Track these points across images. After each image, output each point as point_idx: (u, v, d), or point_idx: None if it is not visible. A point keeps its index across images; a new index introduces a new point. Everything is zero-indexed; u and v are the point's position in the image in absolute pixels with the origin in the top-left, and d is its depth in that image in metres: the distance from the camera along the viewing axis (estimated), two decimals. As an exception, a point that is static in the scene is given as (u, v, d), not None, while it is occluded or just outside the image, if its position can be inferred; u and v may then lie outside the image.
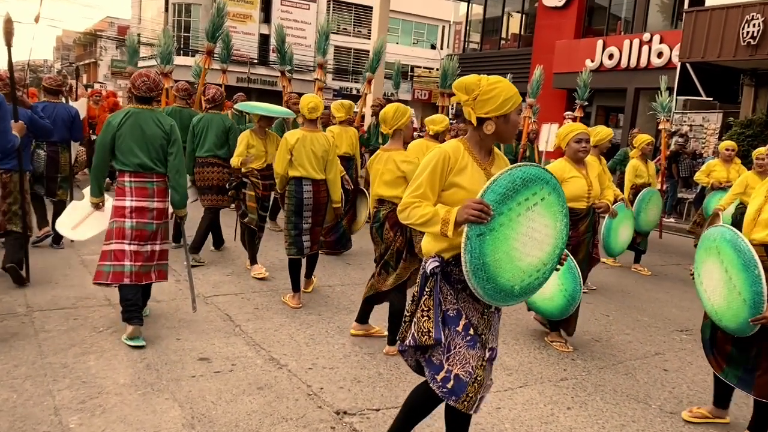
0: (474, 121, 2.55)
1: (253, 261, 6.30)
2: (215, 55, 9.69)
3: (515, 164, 2.44)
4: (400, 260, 4.34)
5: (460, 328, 2.53)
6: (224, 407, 3.45)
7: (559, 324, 4.88)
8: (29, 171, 5.99)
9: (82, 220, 4.92)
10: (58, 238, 6.69)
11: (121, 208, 4.35)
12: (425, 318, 2.55)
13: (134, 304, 4.29)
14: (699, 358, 4.69)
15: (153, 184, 4.42)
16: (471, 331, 2.53)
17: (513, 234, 2.39)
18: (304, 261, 5.54)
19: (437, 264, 2.54)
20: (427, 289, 2.58)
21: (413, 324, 2.62)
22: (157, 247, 4.47)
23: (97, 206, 4.68)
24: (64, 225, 5.02)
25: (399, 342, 2.75)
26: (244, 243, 6.50)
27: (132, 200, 4.35)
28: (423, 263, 2.65)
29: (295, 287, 5.33)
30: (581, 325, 5.43)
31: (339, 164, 5.55)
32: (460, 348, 2.52)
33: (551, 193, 2.47)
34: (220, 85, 8.36)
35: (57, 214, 6.11)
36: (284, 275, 6.00)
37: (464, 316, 2.54)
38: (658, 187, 9.02)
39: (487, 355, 2.58)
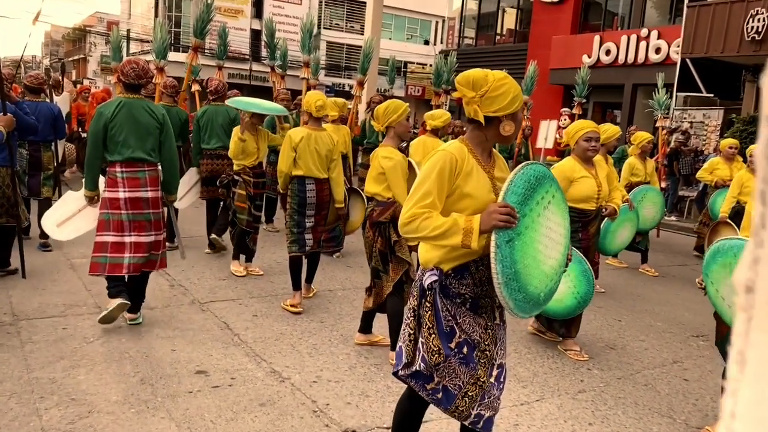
0: (482, 120, 2.32)
1: (236, 257, 6.15)
2: (206, 51, 9.42)
3: (524, 163, 2.28)
4: (387, 263, 4.16)
5: (452, 345, 2.32)
6: (224, 426, 3.21)
7: (561, 324, 4.66)
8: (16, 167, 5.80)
9: (71, 215, 4.74)
10: (45, 238, 6.47)
11: (115, 199, 4.28)
12: (432, 336, 2.33)
13: (123, 282, 4.28)
14: (719, 367, 4.48)
15: (145, 173, 4.35)
16: (465, 350, 2.32)
17: (537, 236, 2.26)
18: (304, 262, 5.31)
19: (435, 278, 2.31)
20: (427, 304, 2.35)
21: (421, 344, 2.36)
22: (158, 237, 4.44)
23: (92, 200, 4.55)
24: (50, 219, 4.82)
25: (404, 367, 2.42)
26: (233, 239, 6.31)
27: (125, 191, 4.28)
28: (420, 274, 2.42)
29: (296, 286, 5.11)
30: (594, 331, 5.24)
31: (341, 163, 5.34)
32: (451, 363, 2.32)
33: (557, 190, 2.37)
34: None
35: (42, 213, 5.86)
36: (282, 279, 5.78)
37: (458, 334, 2.32)
38: (659, 185, 8.81)
39: (495, 373, 2.38)
